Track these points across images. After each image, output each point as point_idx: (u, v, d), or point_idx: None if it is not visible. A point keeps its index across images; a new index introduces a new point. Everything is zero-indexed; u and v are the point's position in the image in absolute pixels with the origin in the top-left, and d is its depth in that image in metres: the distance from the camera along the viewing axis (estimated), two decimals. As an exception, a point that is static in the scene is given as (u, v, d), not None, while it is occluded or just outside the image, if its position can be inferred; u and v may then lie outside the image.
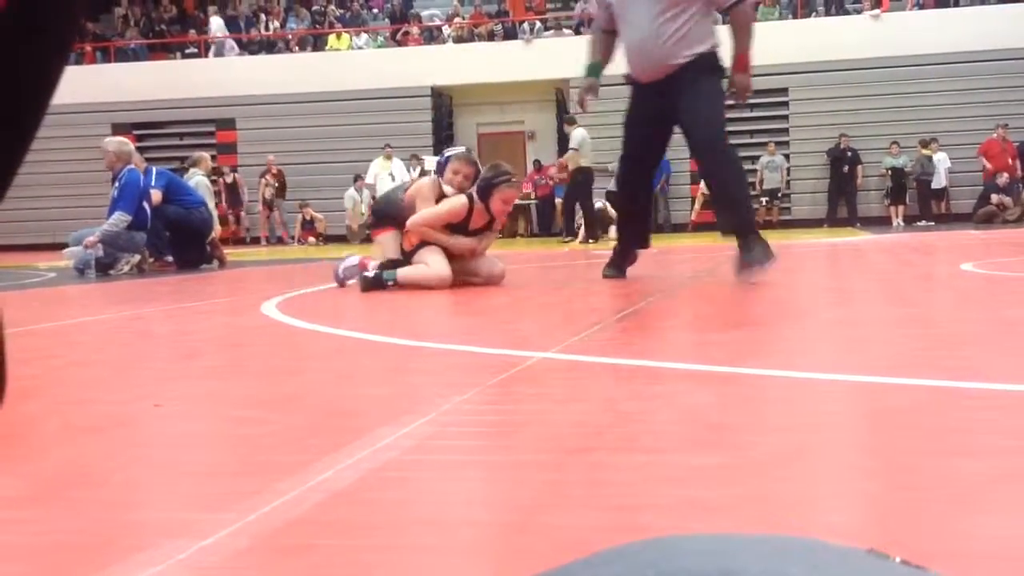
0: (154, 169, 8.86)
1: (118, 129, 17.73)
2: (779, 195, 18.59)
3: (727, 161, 5.02)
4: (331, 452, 1.49)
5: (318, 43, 21.75)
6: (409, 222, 5.30)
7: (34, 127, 0.45)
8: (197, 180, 10.41)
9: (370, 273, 5.19)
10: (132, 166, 8.28)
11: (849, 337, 2.83)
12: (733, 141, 5.66)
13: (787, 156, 18.95)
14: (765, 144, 18.54)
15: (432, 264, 5.18)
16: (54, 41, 0.44)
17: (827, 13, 20.15)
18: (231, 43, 21.67)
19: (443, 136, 19.93)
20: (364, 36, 21.71)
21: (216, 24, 22.02)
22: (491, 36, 20.66)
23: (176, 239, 8.73)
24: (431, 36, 21.57)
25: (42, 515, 1.25)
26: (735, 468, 1.36)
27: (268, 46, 21.95)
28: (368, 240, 18.12)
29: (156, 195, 8.54)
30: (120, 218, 8.01)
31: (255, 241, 19.24)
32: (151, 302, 5.17)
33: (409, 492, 1.29)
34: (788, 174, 19.01)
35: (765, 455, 1.42)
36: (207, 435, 1.79)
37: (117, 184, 8.20)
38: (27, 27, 0.42)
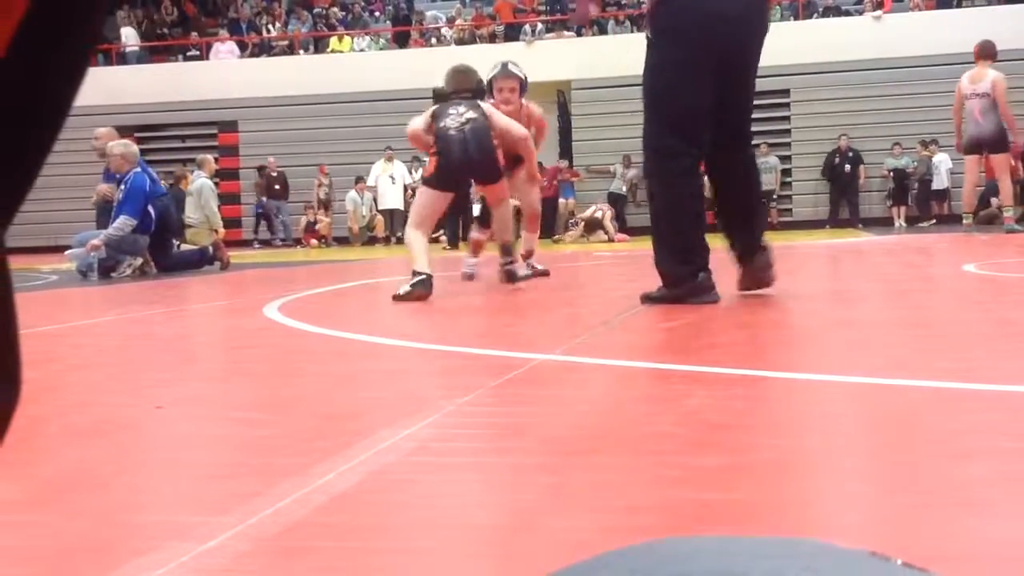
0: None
1: (121, 132, 17.71)
2: (774, 196, 18.35)
3: (654, 174, 3.88)
4: (333, 455, 1.49)
5: (320, 45, 21.77)
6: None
7: (53, 135, 0.45)
8: (201, 183, 10.35)
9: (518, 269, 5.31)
10: (138, 169, 8.23)
11: (851, 339, 2.83)
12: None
13: (789, 157, 18.92)
14: (768, 145, 18.51)
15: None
16: (76, 53, 0.44)
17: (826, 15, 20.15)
18: (232, 45, 21.69)
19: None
20: (366, 38, 21.73)
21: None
22: (492, 38, 20.66)
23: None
24: (432, 38, 21.58)
25: (44, 518, 1.25)
26: (737, 470, 1.36)
27: (269, 49, 21.97)
28: (370, 243, 18.00)
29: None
30: (125, 222, 7.97)
31: (266, 244, 19.21)
32: (153, 304, 5.17)
33: (411, 494, 1.29)
34: (790, 175, 18.98)
35: (767, 457, 1.42)
36: (209, 438, 1.79)
37: (123, 187, 8.15)
38: (48, 39, 0.42)
